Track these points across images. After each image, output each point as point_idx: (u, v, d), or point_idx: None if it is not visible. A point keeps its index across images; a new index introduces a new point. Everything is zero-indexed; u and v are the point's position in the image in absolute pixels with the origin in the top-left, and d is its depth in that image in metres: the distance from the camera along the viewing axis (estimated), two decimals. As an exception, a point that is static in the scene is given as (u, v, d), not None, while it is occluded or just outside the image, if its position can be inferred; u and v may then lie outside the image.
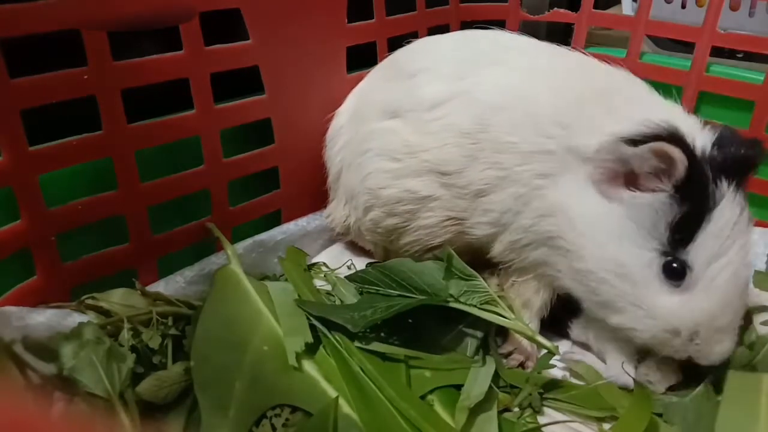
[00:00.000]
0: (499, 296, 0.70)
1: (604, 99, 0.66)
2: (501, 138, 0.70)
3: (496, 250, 0.73)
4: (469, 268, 0.69)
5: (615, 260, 0.60)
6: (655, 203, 0.58)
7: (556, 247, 0.66)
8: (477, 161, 0.71)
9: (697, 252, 0.58)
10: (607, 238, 0.61)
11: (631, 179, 0.61)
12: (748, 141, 0.61)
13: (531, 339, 0.69)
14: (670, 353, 0.62)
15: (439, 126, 0.74)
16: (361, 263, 0.88)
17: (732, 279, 0.59)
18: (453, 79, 0.75)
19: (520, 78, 0.73)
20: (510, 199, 0.70)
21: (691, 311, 0.59)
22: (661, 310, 0.60)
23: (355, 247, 0.93)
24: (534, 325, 0.73)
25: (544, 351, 0.70)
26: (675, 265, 0.58)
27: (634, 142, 0.58)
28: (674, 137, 0.58)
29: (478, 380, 0.63)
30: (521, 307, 0.74)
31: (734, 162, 0.59)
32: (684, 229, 0.58)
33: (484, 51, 0.78)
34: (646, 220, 0.59)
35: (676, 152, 0.56)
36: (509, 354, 0.72)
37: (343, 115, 0.89)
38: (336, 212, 0.90)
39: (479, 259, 0.77)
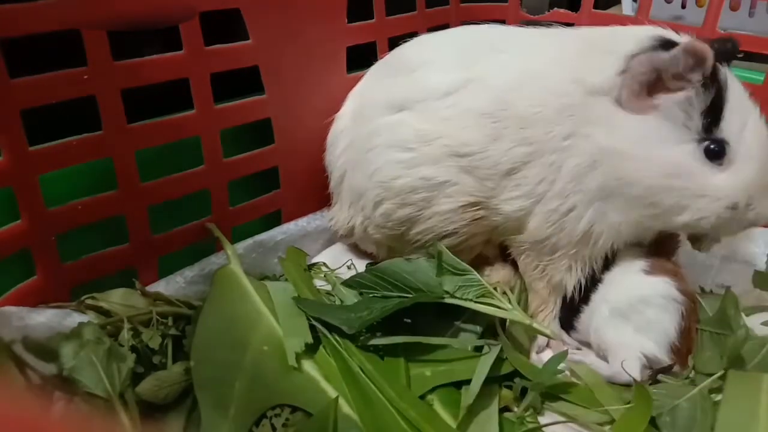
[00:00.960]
0: (495, 287, 0.70)
1: (603, 43, 0.71)
2: (525, 112, 0.71)
3: (532, 225, 0.73)
4: (462, 262, 0.69)
5: (666, 163, 0.66)
6: (686, 98, 0.65)
7: (608, 192, 0.69)
8: (501, 140, 0.72)
9: (729, 126, 0.65)
10: (652, 148, 0.66)
11: (653, 88, 0.66)
12: (723, 38, 0.71)
13: (528, 327, 0.69)
14: (733, 230, 0.69)
15: (454, 111, 0.75)
16: (361, 263, 0.88)
17: (764, 138, 0.67)
18: (461, 67, 0.76)
19: (525, 58, 0.75)
20: (543, 168, 0.71)
21: (742, 180, 0.66)
22: (719, 189, 0.66)
23: (356, 248, 0.93)
24: (556, 311, 0.77)
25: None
26: (713, 145, 0.65)
27: (665, 47, 0.65)
28: (696, 38, 0.66)
29: (483, 368, 0.63)
30: (549, 294, 0.76)
31: (725, 52, 0.69)
32: (713, 112, 0.65)
33: (482, 40, 0.79)
34: (680, 116, 0.66)
35: (706, 48, 0.63)
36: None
37: (342, 118, 0.89)
38: (339, 215, 0.89)
39: (492, 250, 0.78)
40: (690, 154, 0.66)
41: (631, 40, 0.68)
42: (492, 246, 0.82)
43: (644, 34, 0.69)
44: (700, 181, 0.66)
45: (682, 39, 0.69)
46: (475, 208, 0.76)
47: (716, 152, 0.66)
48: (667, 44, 0.66)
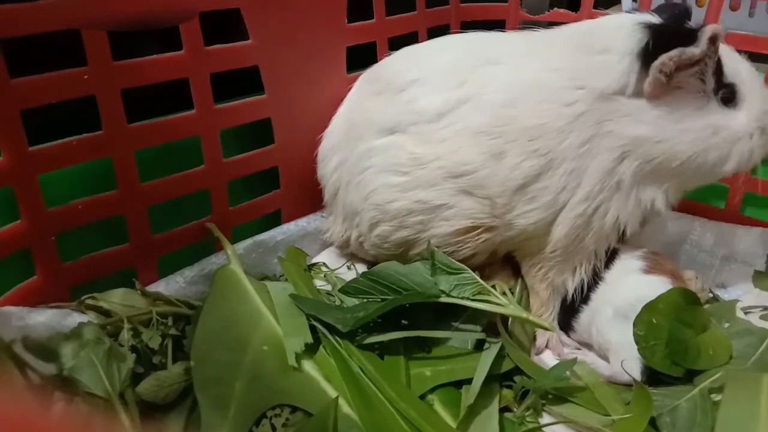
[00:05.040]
0: (494, 286, 0.70)
1: (594, 42, 0.72)
2: (530, 124, 0.70)
3: (558, 233, 0.73)
4: (455, 262, 0.69)
5: (699, 129, 0.70)
6: (700, 69, 0.69)
7: (643, 176, 0.72)
8: (507, 155, 0.71)
9: (730, 72, 0.71)
10: (681, 122, 0.70)
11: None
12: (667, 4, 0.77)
13: (526, 321, 0.69)
14: (759, 158, 0.74)
15: (450, 132, 0.73)
16: (361, 264, 0.88)
17: (754, 71, 0.74)
18: (451, 86, 0.74)
19: (518, 69, 0.74)
20: (564, 177, 0.71)
21: (758, 107, 0.72)
22: (746, 125, 0.72)
23: (355, 249, 0.93)
24: (555, 313, 0.78)
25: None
26: (725, 92, 0.71)
27: (692, 40, 0.68)
28: (699, 25, 0.71)
29: (484, 364, 0.63)
30: (549, 297, 0.77)
31: (683, 13, 0.74)
32: (718, 69, 0.71)
33: (469, 53, 0.77)
34: (696, 84, 0.70)
35: (718, 27, 0.68)
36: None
37: (332, 135, 0.87)
38: (334, 227, 0.88)
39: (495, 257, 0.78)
40: (713, 111, 0.71)
41: (622, 33, 0.70)
42: (496, 256, 0.81)
43: (630, 23, 0.71)
44: (731, 128, 0.71)
45: (657, 18, 0.72)
46: (475, 232, 0.75)
47: (729, 98, 0.71)
48: (657, 29, 0.69)
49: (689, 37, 0.68)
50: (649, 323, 0.67)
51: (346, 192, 0.83)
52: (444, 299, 0.68)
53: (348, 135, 0.83)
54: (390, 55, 0.86)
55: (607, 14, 0.79)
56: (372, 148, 0.78)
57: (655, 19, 0.71)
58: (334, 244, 0.89)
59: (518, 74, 0.74)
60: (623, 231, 0.74)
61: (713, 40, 0.68)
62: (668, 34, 0.69)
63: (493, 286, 0.70)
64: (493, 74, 0.74)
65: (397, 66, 0.82)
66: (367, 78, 0.87)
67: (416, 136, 0.75)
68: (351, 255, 0.91)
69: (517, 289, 0.79)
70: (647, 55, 0.68)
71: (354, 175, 0.81)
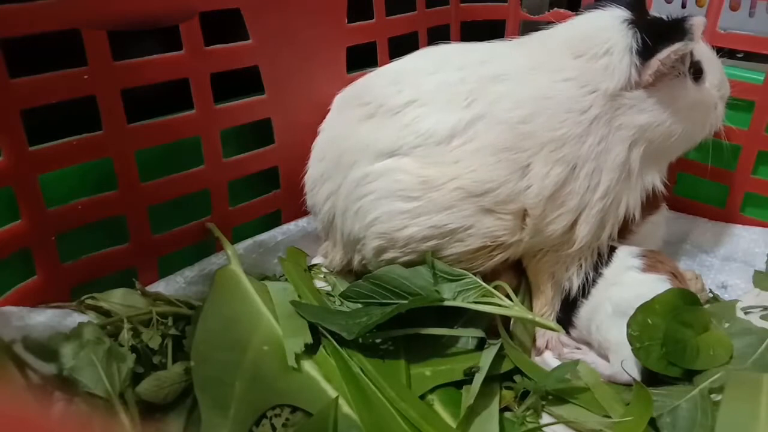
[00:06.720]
0: (496, 287, 0.70)
1: (592, 47, 0.75)
2: (552, 136, 0.71)
3: (582, 231, 0.74)
4: (455, 269, 0.69)
5: (686, 108, 0.77)
6: (683, 54, 0.74)
7: (646, 157, 0.76)
8: (532, 167, 0.71)
9: (697, 52, 0.78)
10: (673, 103, 0.76)
11: None
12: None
13: (531, 322, 0.69)
14: (721, 123, 0.83)
15: (464, 152, 0.71)
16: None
17: (708, 47, 0.83)
18: (459, 106, 0.72)
19: (527, 84, 0.73)
20: (586, 179, 0.73)
21: (716, 81, 0.81)
22: (714, 95, 0.81)
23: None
24: (556, 312, 0.79)
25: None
26: (694, 70, 0.78)
27: (688, 33, 0.73)
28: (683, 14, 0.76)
29: (485, 363, 0.63)
30: (554, 297, 0.78)
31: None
32: (691, 52, 0.76)
33: (464, 70, 0.75)
34: (679, 68, 0.75)
35: (703, 18, 0.74)
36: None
37: (321, 162, 0.82)
38: (334, 255, 0.83)
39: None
40: (690, 88, 0.77)
41: (617, 33, 0.74)
42: (506, 263, 0.79)
43: (618, 20, 0.75)
44: (703, 101, 0.79)
45: (626, 11, 0.76)
46: (488, 248, 0.73)
47: (698, 75, 0.78)
48: (644, 24, 0.74)
49: (673, 26, 0.73)
50: (643, 323, 0.66)
51: (343, 220, 0.78)
52: (448, 303, 0.67)
53: (339, 162, 0.78)
54: (368, 74, 0.82)
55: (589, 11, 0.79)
56: (369, 174, 0.74)
57: (629, 14, 0.75)
58: (335, 270, 0.84)
59: (528, 90, 0.73)
60: (630, 219, 0.77)
61: (704, 30, 0.74)
62: (656, 26, 0.74)
63: (496, 287, 0.69)
64: (501, 92, 0.72)
65: (385, 87, 0.77)
66: (347, 101, 0.82)
67: (422, 158, 0.72)
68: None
69: (521, 292, 0.79)
70: (646, 49, 0.72)
71: (351, 202, 0.76)
